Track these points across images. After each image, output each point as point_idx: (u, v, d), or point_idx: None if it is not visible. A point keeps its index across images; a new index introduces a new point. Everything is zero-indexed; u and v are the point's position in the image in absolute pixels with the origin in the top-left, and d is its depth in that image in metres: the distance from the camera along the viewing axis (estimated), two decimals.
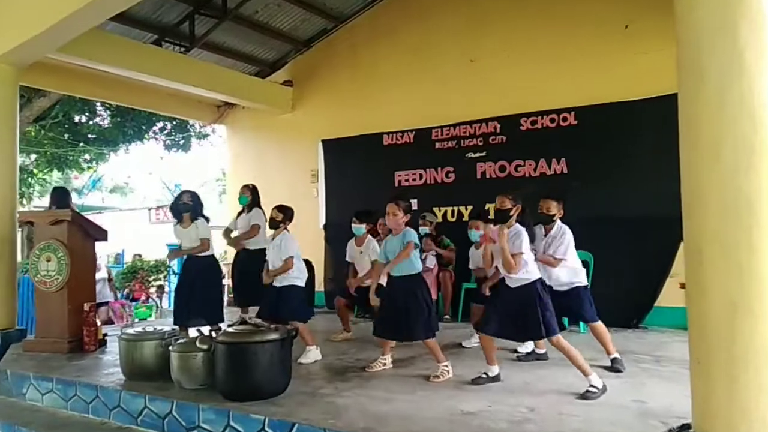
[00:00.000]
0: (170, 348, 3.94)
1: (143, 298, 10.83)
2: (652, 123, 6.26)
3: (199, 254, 5.43)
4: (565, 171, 6.80)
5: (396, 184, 8.11)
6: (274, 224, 4.92)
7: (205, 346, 3.78)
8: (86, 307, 5.43)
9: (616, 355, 4.32)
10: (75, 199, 18.50)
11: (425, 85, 7.94)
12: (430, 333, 4.15)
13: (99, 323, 5.56)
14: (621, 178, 6.40)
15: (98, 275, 8.83)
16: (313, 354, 4.69)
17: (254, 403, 3.44)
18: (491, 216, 5.10)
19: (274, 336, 3.57)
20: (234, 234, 6.29)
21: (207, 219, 5.55)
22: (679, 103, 2.65)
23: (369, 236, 5.68)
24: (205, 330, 4.12)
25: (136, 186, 23.74)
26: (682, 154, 2.59)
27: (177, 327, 5.08)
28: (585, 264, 6.12)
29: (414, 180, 7.99)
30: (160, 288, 11.72)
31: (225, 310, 5.80)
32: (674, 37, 2.62)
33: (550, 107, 6.94)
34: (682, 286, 5.92)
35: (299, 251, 4.87)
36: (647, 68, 6.33)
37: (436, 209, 7.71)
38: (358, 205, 7.52)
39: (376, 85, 8.45)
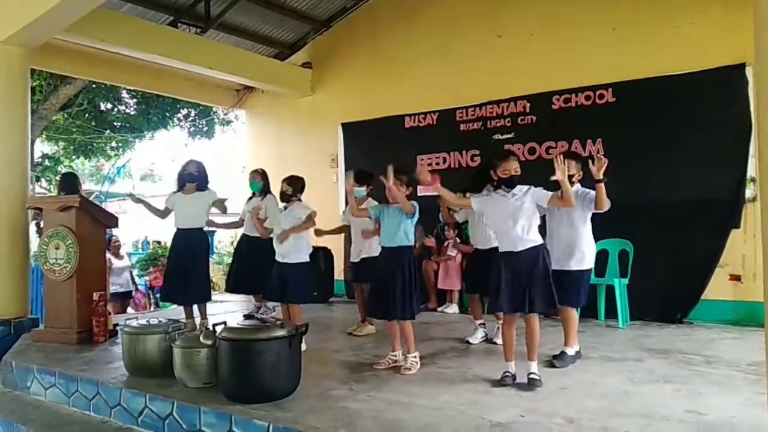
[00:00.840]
0: (173, 344, 3.65)
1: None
2: (697, 99, 5.76)
3: (190, 228, 5.21)
4: (601, 152, 6.29)
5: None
6: (285, 198, 4.69)
7: (209, 342, 3.48)
8: (96, 296, 5.21)
9: (577, 348, 4.13)
10: (105, 186, 18.65)
11: (449, 64, 7.52)
12: (409, 314, 3.92)
13: (112, 312, 5.37)
14: (663, 160, 5.90)
15: (121, 263, 8.73)
16: None
17: (259, 406, 3.12)
18: None
19: (281, 333, 3.25)
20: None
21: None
22: (755, 68, 2.20)
23: (370, 198, 5.22)
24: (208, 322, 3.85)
25: (162, 173, 23.78)
26: (761, 126, 2.15)
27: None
28: (625, 253, 5.72)
29: (437, 164, 7.58)
30: None
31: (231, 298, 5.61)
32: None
33: (585, 84, 6.45)
34: (734, 277, 5.64)
35: None
36: (692, 40, 5.82)
37: (460, 194, 7.29)
38: (380, 190, 7.17)
39: (397, 65, 8.06)
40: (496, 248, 4.71)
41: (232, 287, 6.01)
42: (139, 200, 5.53)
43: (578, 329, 4.54)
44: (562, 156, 3.54)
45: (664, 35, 5.98)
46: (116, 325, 5.46)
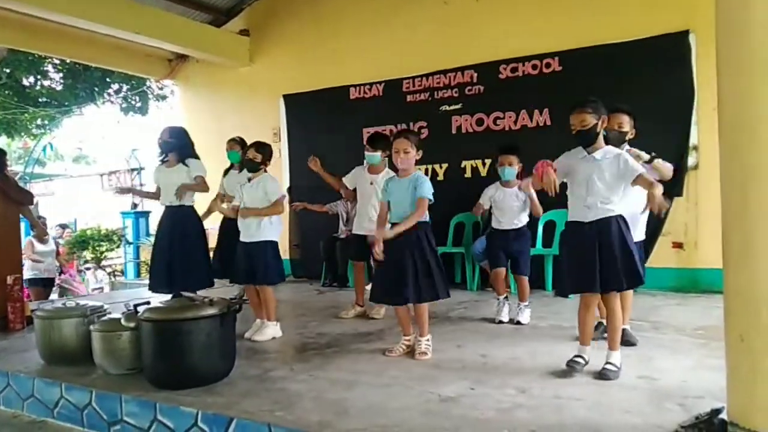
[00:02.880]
0: (91, 327, 3.30)
1: (73, 272, 9.97)
2: (642, 66, 5.71)
3: (177, 205, 4.66)
4: (548, 123, 6.23)
5: (365, 142, 7.44)
6: (253, 166, 4.12)
7: (131, 325, 3.15)
8: (10, 279, 4.75)
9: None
10: (32, 168, 17.49)
11: (395, 33, 7.24)
12: (426, 296, 3.43)
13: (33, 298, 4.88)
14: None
15: (45, 248, 8.11)
16: (271, 330, 4.07)
17: (188, 391, 2.85)
18: None
19: (211, 311, 2.95)
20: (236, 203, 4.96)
21: (198, 159, 4.81)
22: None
23: (388, 168, 4.69)
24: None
25: (90, 153, 22.55)
26: (723, 86, 2.03)
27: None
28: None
29: None
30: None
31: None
32: None
33: (531, 52, 6.32)
34: (676, 245, 5.67)
35: None
36: (637, 7, 5.76)
37: None
38: (325, 165, 6.86)
39: (341, 33, 7.72)
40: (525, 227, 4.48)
41: (219, 273, 5.53)
42: (125, 190, 4.92)
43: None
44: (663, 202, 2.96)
45: (610, 2, 5.89)
46: (34, 311, 5.02)
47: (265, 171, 4.22)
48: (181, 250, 4.63)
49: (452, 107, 6.91)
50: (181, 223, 4.69)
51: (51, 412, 3.18)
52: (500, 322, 4.38)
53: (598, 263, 2.96)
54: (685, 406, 2.42)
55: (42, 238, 7.58)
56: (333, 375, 3.11)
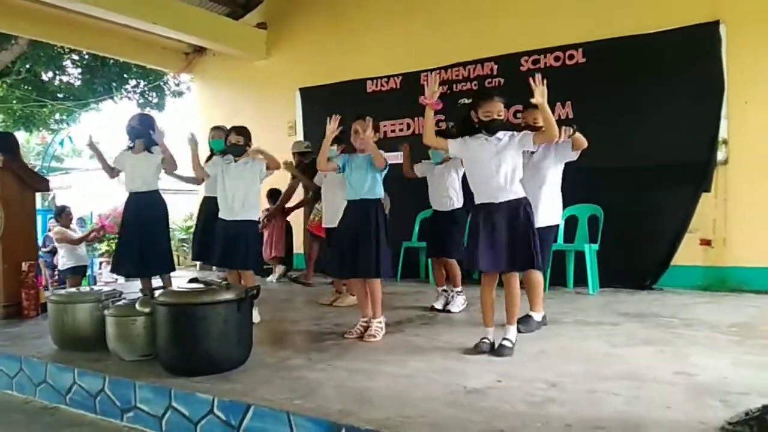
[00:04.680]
0: (105, 312, 3.22)
1: None
2: (669, 58, 5.55)
3: (143, 191, 4.58)
4: (571, 116, 6.06)
5: (382, 136, 7.32)
6: (237, 150, 4.11)
7: (146, 310, 3.07)
8: (25, 266, 4.70)
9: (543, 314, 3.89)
10: (48, 163, 17.56)
11: (413, 25, 7.14)
12: (376, 272, 3.59)
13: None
14: (634, 123, 5.68)
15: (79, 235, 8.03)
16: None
17: (203, 378, 2.75)
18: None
19: (228, 296, 2.86)
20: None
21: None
22: None
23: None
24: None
25: (110, 148, 22.71)
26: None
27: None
28: (594, 219, 5.52)
29: (401, 130, 7.23)
30: None
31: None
32: None
33: (554, 44, 6.17)
34: (704, 242, 5.50)
35: None
36: None
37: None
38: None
39: (358, 26, 7.63)
40: (455, 210, 4.55)
41: (197, 255, 5.47)
42: (94, 146, 4.82)
43: (547, 296, 4.36)
44: (539, 76, 3.10)
45: None
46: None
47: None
48: (150, 236, 4.55)
49: (470, 100, 6.77)
50: (150, 209, 4.61)
51: (63, 398, 3.10)
52: (432, 308, 4.56)
53: (508, 244, 3.16)
54: (728, 403, 2.27)
55: (68, 226, 7.56)
56: (353, 365, 3.00)
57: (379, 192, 3.72)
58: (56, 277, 8.05)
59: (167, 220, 4.73)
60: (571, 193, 5.54)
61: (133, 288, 5.22)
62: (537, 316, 3.81)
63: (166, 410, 2.65)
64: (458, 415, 2.25)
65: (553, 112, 6.03)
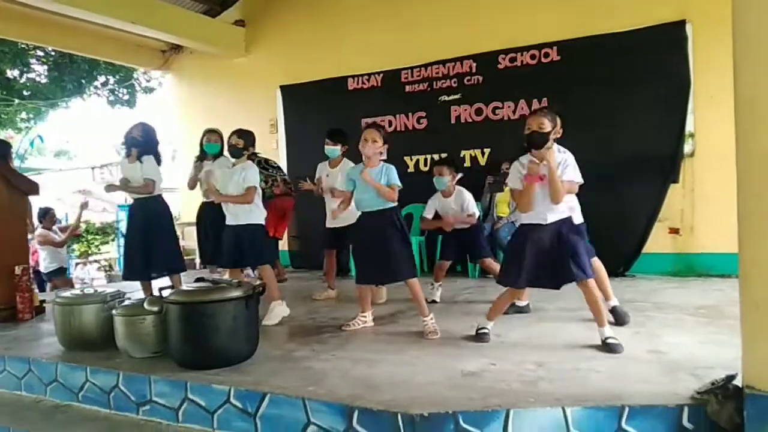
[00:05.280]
0: (113, 312, 3.34)
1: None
2: (639, 56, 5.84)
3: (146, 197, 4.72)
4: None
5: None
6: (236, 152, 4.20)
7: (155, 308, 3.20)
8: (18, 270, 4.75)
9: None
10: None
11: (393, 23, 7.29)
12: (414, 272, 3.74)
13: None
14: (606, 118, 5.96)
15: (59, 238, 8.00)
16: (279, 310, 4.16)
17: (215, 371, 2.91)
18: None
19: (236, 293, 3.02)
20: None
21: (158, 158, 4.82)
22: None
23: (345, 159, 5.01)
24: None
25: (78, 147, 22.34)
26: (740, 68, 2.11)
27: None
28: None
29: (382, 127, 7.38)
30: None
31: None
32: None
33: (530, 42, 6.42)
34: (673, 231, 5.82)
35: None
36: None
37: (407, 158, 7.18)
38: (321, 155, 6.92)
39: (338, 24, 7.75)
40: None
41: (207, 260, 5.58)
42: (116, 187, 4.86)
43: None
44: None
45: None
46: (43, 301, 5.05)
47: (249, 159, 4.29)
48: (157, 240, 4.69)
49: (451, 97, 6.98)
50: (154, 214, 4.75)
51: (75, 395, 3.22)
52: (433, 301, 4.67)
53: (556, 261, 3.21)
54: (698, 376, 2.53)
55: (51, 228, 7.55)
56: (354, 355, 3.19)
57: (390, 202, 3.76)
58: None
59: (172, 222, 4.85)
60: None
61: (129, 288, 5.29)
62: (614, 301, 3.81)
63: (183, 402, 2.81)
64: (458, 395, 2.47)
65: (529, 107, 6.42)
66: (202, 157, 5.62)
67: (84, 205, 7.96)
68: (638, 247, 5.83)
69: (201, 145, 5.66)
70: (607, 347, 3.05)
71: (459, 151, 6.88)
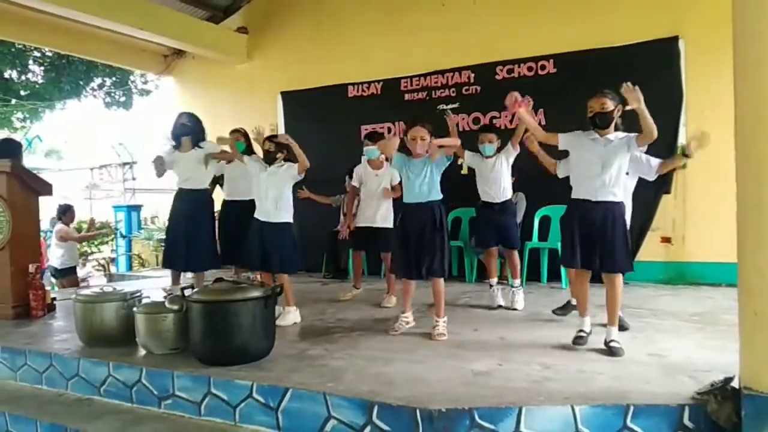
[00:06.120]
0: (135, 310, 3.47)
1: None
2: (633, 70, 5.97)
3: (193, 188, 4.89)
4: (543, 122, 6.51)
5: (363, 139, 7.64)
6: (271, 158, 4.30)
7: (175, 307, 3.34)
8: (32, 268, 4.86)
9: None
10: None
11: (394, 32, 7.48)
12: (444, 273, 3.78)
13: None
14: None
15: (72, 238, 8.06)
16: (292, 316, 4.29)
17: (237, 367, 3.06)
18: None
19: (257, 293, 3.17)
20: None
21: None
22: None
23: (386, 161, 5.12)
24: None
25: (75, 148, 22.26)
26: (740, 82, 2.29)
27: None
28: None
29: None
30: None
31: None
32: None
33: (527, 54, 6.63)
34: (665, 240, 6.04)
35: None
36: (629, 13, 6.11)
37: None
38: (322, 161, 7.01)
39: (340, 32, 7.94)
40: (507, 200, 4.77)
41: (226, 259, 5.65)
42: (161, 163, 4.95)
43: (525, 291, 4.91)
44: (630, 84, 3.16)
45: (604, 7, 6.23)
46: (54, 299, 5.14)
47: (284, 160, 4.37)
48: (194, 233, 4.85)
49: (450, 106, 7.13)
50: (195, 207, 4.91)
51: (97, 390, 3.34)
52: (499, 306, 4.73)
53: (600, 244, 3.28)
54: (696, 378, 2.70)
55: (69, 224, 7.67)
56: (367, 353, 3.35)
57: (437, 194, 3.84)
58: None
59: (213, 219, 4.98)
60: (543, 195, 6.00)
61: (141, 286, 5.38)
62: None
63: (205, 396, 2.95)
64: (472, 392, 2.63)
65: None
66: None
67: (92, 221, 8.13)
68: (632, 255, 6.00)
69: None
70: (609, 350, 3.22)
71: (457, 158, 7.02)
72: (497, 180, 4.75)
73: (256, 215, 4.32)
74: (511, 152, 4.70)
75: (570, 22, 6.39)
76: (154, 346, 3.41)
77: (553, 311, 4.33)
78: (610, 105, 3.33)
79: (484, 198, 4.89)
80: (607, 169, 3.32)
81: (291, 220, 4.32)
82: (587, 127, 3.47)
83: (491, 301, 4.80)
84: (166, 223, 5.19)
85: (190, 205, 4.90)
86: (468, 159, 4.93)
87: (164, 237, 5.30)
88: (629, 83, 3.17)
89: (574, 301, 4.16)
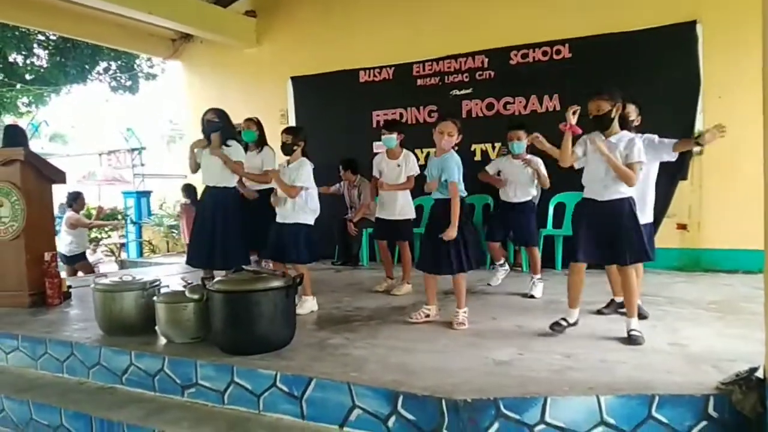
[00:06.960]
0: (155, 299, 3.48)
1: None
2: (650, 55, 5.97)
3: (219, 185, 4.87)
4: (558, 108, 6.47)
5: (374, 125, 7.61)
6: (287, 150, 4.28)
7: (196, 296, 3.34)
8: (47, 256, 4.88)
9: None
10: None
11: (405, 17, 7.41)
12: (462, 268, 3.75)
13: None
14: None
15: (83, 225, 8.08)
16: (309, 304, 4.30)
17: (258, 356, 3.07)
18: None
19: (278, 283, 3.17)
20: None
21: (240, 142, 5.02)
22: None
23: (404, 149, 5.06)
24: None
25: (81, 132, 22.28)
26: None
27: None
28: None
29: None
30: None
31: None
32: None
33: (542, 39, 6.56)
34: (680, 226, 6.00)
35: (314, 185, 4.36)
36: None
37: (418, 151, 7.29)
38: (333, 148, 7.05)
39: (351, 16, 7.85)
40: (530, 200, 4.93)
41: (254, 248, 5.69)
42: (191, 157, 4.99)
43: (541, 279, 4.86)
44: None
45: None
46: (70, 287, 5.17)
47: (303, 154, 4.34)
48: (222, 232, 4.83)
49: (463, 92, 7.11)
50: (222, 205, 4.87)
51: (119, 378, 3.36)
52: (488, 285, 5.13)
53: (608, 238, 3.34)
54: (720, 368, 2.69)
55: (79, 212, 7.70)
56: (388, 343, 3.35)
57: (461, 191, 3.80)
58: None
59: (241, 216, 4.95)
60: (559, 183, 5.97)
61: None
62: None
63: (228, 385, 2.96)
64: (495, 381, 2.63)
65: (540, 104, 6.57)
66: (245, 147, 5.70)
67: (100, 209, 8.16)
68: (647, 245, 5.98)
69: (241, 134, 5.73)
70: (629, 339, 3.22)
71: (470, 145, 7.00)
72: (523, 184, 4.93)
73: (276, 218, 4.32)
74: (540, 164, 4.88)
75: (586, 6, 6.30)
76: (174, 335, 3.43)
77: (598, 311, 4.13)
78: (605, 107, 3.36)
79: (503, 197, 5.04)
80: (610, 170, 3.35)
81: (309, 221, 4.29)
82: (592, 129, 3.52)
83: (492, 281, 5.22)
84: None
85: (218, 201, 4.87)
86: (492, 167, 5.22)
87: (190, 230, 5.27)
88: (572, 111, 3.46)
89: (618, 299, 4.04)
